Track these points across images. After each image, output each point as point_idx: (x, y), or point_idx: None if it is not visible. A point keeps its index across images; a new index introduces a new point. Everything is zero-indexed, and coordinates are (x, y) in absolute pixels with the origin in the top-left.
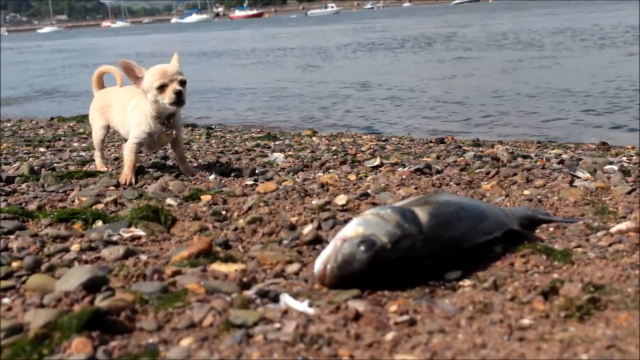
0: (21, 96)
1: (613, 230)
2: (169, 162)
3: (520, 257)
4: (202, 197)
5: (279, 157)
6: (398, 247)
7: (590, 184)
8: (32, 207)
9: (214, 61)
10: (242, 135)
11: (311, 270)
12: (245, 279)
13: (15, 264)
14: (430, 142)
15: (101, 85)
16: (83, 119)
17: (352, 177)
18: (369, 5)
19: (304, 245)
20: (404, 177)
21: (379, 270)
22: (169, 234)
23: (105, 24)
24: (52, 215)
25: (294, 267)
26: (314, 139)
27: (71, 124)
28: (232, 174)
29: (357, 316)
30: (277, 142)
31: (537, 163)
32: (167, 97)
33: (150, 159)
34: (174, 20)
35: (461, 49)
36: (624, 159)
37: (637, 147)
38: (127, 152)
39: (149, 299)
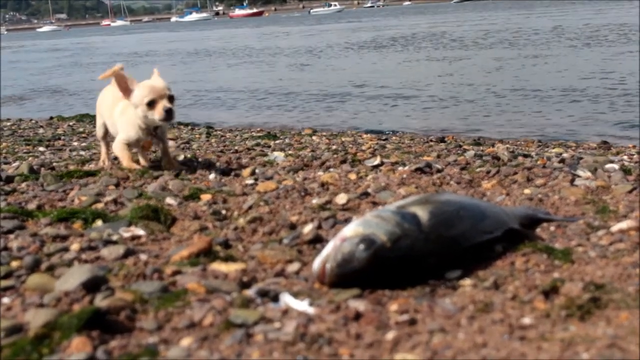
0: (20, 95)
1: (614, 229)
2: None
3: (520, 256)
4: (202, 196)
5: (279, 156)
6: (398, 246)
7: (591, 183)
8: (31, 206)
9: (212, 60)
10: (242, 134)
11: (311, 269)
12: (245, 279)
13: (14, 264)
14: (431, 141)
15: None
16: (83, 118)
17: (353, 176)
18: (369, 4)
19: (304, 244)
20: (404, 176)
21: (379, 269)
22: (169, 233)
23: (104, 22)
24: (51, 215)
25: (294, 266)
26: (314, 137)
27: (71, 123)
28: (232, 173)
29: (358, 315)
30: (277, 141)
31: (538, 162)
32: (157, 114)
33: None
34: (173, 19)
35: (461, 47)
36: (625, 157)
37: (638, 146)
38: (119, 150)
39: (149, 298)
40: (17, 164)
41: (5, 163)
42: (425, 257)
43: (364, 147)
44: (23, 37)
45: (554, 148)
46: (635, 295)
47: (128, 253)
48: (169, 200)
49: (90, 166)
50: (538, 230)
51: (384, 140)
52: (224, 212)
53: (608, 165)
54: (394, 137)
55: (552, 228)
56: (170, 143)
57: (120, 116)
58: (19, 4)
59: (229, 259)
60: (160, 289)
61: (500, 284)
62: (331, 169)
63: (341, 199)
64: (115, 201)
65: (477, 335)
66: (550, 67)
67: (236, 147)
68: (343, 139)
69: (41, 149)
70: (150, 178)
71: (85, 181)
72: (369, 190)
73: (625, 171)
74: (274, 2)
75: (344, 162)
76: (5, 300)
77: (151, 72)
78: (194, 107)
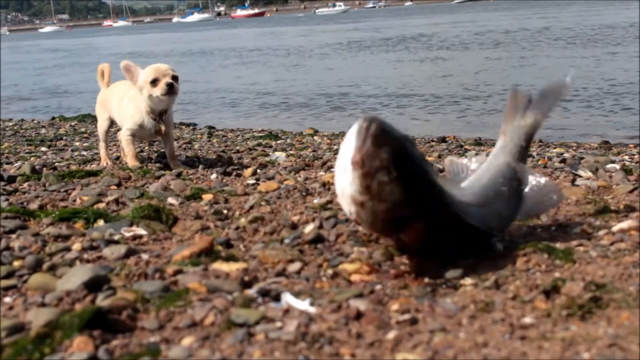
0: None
1: (615, 229)
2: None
3: (521, 256)
4: (203, 196)
5: (280, 156)
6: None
7: (592, 183)
8: (33, 206)
9: (213, 60)
10: (244, 134)
11: (313, 269)
12: (246, 278)
13: (16, 263)
14: (432, 141)
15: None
16: (84, 118)
17: None
18: (370, 4)
19: (305, 244)
20: None
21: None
22: (171, 233)
23: (106, 23)
24: (53, 215)
25: (296, 266)
26: (315, 138)
27: (73, 123)
28: (234, 173)
29: (359, 315)
30: (278, 141)
31: (539, 162)
32: (159, 89)
33: (152, 158)
34: (175, 19)
35: (463, 47)
36: (626, 157)
37: (638, 146)
38: (125, 144)
39: (151, 298)
40: (19, 164)
41: (8, 163)
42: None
43: None
44: (25, 37)
45: (555, 148)
46: (636, 295)
47: (130, 253)
48: (171, 200)
49: (92, 166)
50: (539, 230)
51: None
52: (225, 212)
53: (609, 165)
54: None
55: (553, 227)
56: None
57: (128, 102)
58: (20, 4)
59: (230, 258)
60: (162, 288)
61: (501, 284)
62: (332, 169)
63: None
64: (117, 201)
65: (478, 334)
66: (550, 65)
67: (238, 147)
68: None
69: (43, 149)
70: (152, 178)
71: (87, 181)
72: None
73: (627, 171)
74: (276, 3)
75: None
76: (7, 299)
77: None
78: (195, 107)
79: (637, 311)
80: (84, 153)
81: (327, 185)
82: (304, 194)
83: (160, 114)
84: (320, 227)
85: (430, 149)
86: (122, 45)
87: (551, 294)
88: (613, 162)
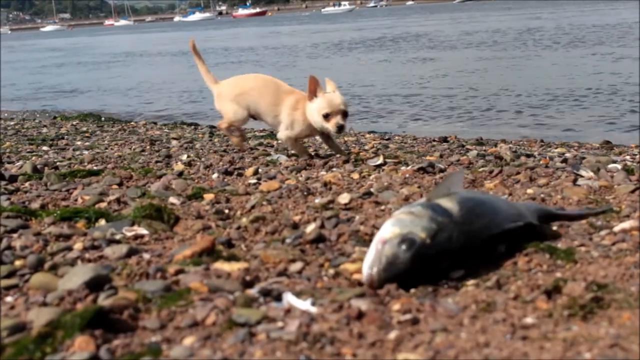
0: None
1: (616, 229)
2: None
3: (523, 256)
4: (205, 195)
5: (282, 155)
6: (437, 241)
7: (594, 183)
8: (35, 205)
9: (215, 59)
10: (245, 134)
11: (314, 269)
12: (248, 278)
13: (18, 263)
14: (434, 140)
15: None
16: (86, 117)
17: (355, 175)
18: (372, 4)
19: (306, 244)
20: (407, 175)
21: (422, 266)
22: (172, 233)
23: (108, 22)
24: (55, 214)
25: (297, 265)
26: (317, 137)
27: (74, 123)
28: (235, 173)
29: (360, 315)
30: (279, 141)
31: (541, 162)
32: (331, 127)
33: (153, 159)
34: (176, 18)
35: (466, 47)
36: (628, 157)
37: None
38: (291, 145)
39: (152, 297)
40: (20, 163)
41: (9, 162)
42: (462, 247)
43: (367, 147)
44: (26, 36)
45: (556, 148)
46: (637, 295)
47: (131, 252)
48: (172, 199)
49: (93, 166)
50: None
51: (387, 140)
52: (227, 211)
53: (611, 165)
54: (397, 137)
55: (554, 227)
56: (173, 142)
57: (291, 111)
58: (22, 3)
59: (231, 258)
60: (163, 288)
61: (502, 284)
62: (334, 169)
63: (344, 198)
64: (118, 200)
65: (479, 334)
66: (552, 65)
67: None
68: (346, 138)
69: (45, 148)
70: (154, 177)
71: (89, 180)
72: (372, 189)
73: (628, 171)
74: (277, 2)
75: (346, 161)
76: (9, 299)
77: (323, 81)
78: (196, 106)
79: (639, 311)
80: (86, 152)
81: (329, 185)
82: (305, 193)
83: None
84: (322, 226)
85: (432, 149)
86: (126, 44)
87: (553, 294)
88: (615, 162)
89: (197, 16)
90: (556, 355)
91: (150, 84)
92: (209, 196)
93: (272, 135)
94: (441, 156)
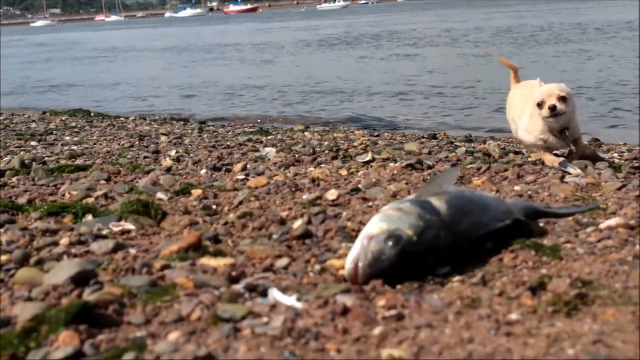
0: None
1: (602, 226)
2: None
3: (509, 253)
4: (193, 191)
5: (270, 151)
6: (424, 238)
7: (581, 180)
8: (22, 200)
9: (206, 56)
10: (235, 130)
11: (300, 265)
12: (234, 274)
13: (4, 257)
14: (423, 137)
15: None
16: (76, 113)
17: (344, 172)
18: (363, 1)
19: (293, 240)
20: (395, 172)
21: (408, 263)
22: (159, 228)
23: (99, 18)
24: (42, 209)
25: (284, 261)
26: (306, 134)
27: (63, 118)
28: (224, 169)
29: (345, 311)
30: (269, 137)
31: (529, 159)
32: (544, 111)
33: (142, 154)
34: (168, 14)
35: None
36: (616, 155)
37: (628, 144)
38: (531, 149)
39: (138, 292)
40: (8, 158)
41: None
42: (449, 245)
43: (356, 144)
44: (17, 32)
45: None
46: (622, 292)
47: (118, 248)
48: (160, 195)
49: (82, 161)
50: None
51: (376, 136)
52: (214, 207)
53: (598, 163)
54: (386, 134)
55: (541, 224)
56: (163, 138)
57: (529, 117)
58: None
59: (218, 254)
60: (149, 283)
61: (488, 280)
62: (322, 165)
63: (332, 195)
64: (106, 196)
65: (464, 331)
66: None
67: (228, 143)
68: (335, 135)
69: (33, 143)
70: (142, 173)
71: (77, 176)
72: (360, 186)
73: (616, 168)
74: None
75: (335, 158)
76: None
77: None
78: (187, 102)
79: (623, 308)
80: (75, 148)
81: (317, 182)
82: (293, 189)
83: (561, 130)
84: (309, 222)
85: (422, 146)
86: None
87: (538, 291)
88: (603, 159)
89: (188, 12)
90: (540, 351)
91: (142, 79)
92: (197, 192)
93: (262, 131)
94: (430, 153)
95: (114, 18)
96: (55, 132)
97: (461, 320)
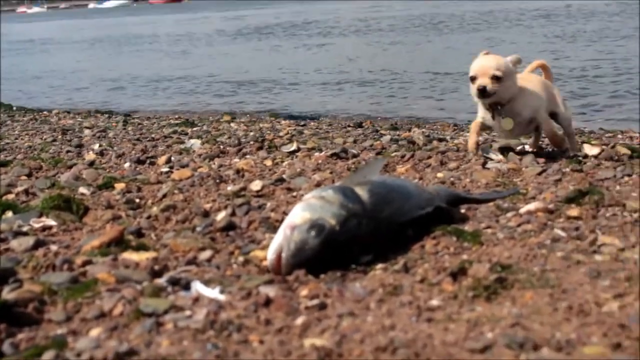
0: None
1: (522, 210)
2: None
3: (431, 239)
4: (116, 185)
5: (195, 143)
6: (346, 228)
7: (503, 166)
8: None
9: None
10: (160, 122)
11: (224, 256)
12: (156, 267)
13: None
14: (349, 126)
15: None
16: None
17: (269, 162)
18: None
19: (217, 232)
20: (319, 161)
21: (331, 252)
22: (81, 224)
23: (20, 9)
24: None
25: (206, 254)
26: (232, 124)
27: None
28: (148, 162)
29: (268, 301)
30: (194, 129)
31: (452, 146)
32: (473, 90)
33: (64, 148)
34: (91, 5)
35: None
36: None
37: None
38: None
39: (58, 289)
40: None
41: None
42: (372, 233)
43: (281, 133)
44: None
45: (469, 132)
46: (540, 275)
47: (38, 244)
48: (82, 189)
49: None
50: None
51: (302, 126)
52: (137, 200)
53: (519, 148)
54: (312, 123)
55: (462, 210)
56: (86, 132)
57: None
58: None
59: (140, 248)
60: (70, 279)
61: (410, 267)
62: (247, 156)
63: (256, 185)
64: (26, 191)
65: (385, 318)
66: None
67: (153, 135)
68: (261, 125)
69: None
70: (64, 167)
71: None
72: (284, 176)
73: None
74: None
75: (260, 148)
76: None
77: None
78: (111, 95)
79: (541, 291)
80: None
81: (241, 172)
82: (217, 181)
83: (493, 104)
84: (233, 214)
85: (347, 134)
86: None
87: (458, 276)
88: (524, 144)
89: (112, 3)
90: (460, 335)
91: (65, 72)
92: (120, 185)
93: (187, 123)
94: (355, 142)
95: (35, 9)
96: None
97: (383, 308)
